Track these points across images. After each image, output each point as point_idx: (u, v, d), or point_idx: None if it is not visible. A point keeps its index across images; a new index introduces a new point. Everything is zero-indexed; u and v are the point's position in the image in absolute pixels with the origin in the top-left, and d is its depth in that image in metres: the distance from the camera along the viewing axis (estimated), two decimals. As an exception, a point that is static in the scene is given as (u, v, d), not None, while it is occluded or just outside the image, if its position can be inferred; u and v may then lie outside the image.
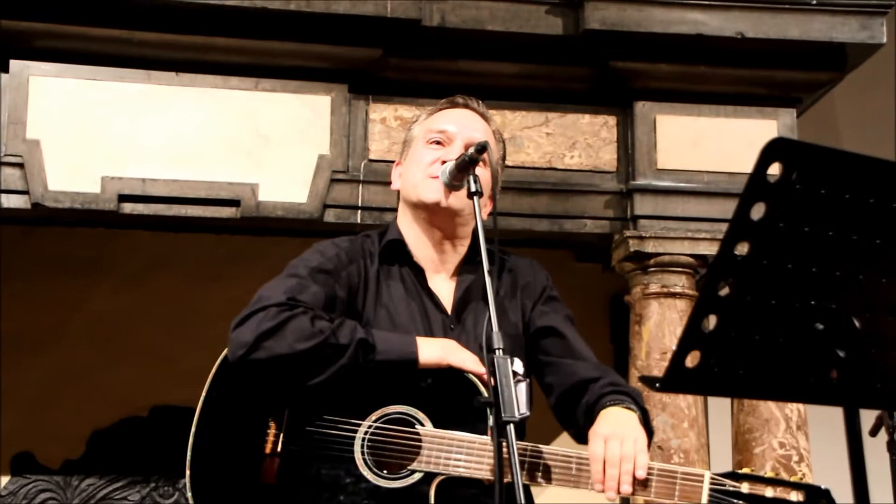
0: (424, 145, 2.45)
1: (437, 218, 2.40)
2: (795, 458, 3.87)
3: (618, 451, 2.08)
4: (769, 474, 2.09)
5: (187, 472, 2.19)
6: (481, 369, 2.12)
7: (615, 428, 2.14)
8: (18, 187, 3.69)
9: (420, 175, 2.40)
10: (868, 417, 3.69)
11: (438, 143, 2.44)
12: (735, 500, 2.05)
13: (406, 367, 2.20)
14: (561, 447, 2.17)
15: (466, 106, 2.52)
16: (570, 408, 2.33)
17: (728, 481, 2.06)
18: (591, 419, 2.21)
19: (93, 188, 3.72)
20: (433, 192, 2.36)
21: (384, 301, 2.36)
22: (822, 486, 2.03)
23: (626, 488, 2.06)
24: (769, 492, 2.05)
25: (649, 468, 2.08)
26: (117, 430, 4.52)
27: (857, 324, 1.57)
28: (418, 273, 2.41)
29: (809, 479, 3.84)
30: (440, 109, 2.53)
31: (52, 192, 3.70)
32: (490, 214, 2.14)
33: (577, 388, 2.33)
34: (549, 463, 2.12)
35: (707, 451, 3.97)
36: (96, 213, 3.78)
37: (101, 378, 4.51)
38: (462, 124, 2.45)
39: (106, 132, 3.77)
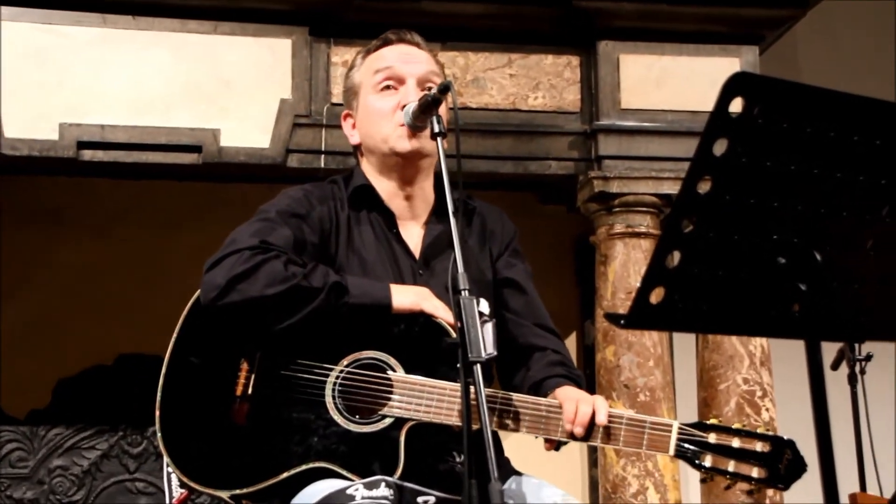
0: (376, 93, 2.39)
1: (410, 164, 2.37)
2: (759, 394, 3.93)
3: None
4: (737, 425, 2.12)
5: (157, 413, 2.18)
6: (453, 317, 2.12)
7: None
8: (-26, 136, 3.64)
9: (389, 126, 2.34)
10: (829, 353, 3.76)
11: (388, 87, 2.39)
12: (701, 451, 2.08)
13: (379, 313, 2.19)
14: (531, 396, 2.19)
15: (402, 41, 2.44)
16: (512, 367, 2.39)
17: (696, 431, 2.10)
18: (541, 390, 2.26)
19: (51, 135, 3.67)
20: (407, 141, 2.32)
21: (356, 246, 2.34)
22: (787, 437, 2.07)
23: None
24: (735, 442, 2.08)
25: (618, 416, 2.11)
26: (83, 378, 4.50)
27: (818, 257, 1.59)
28: (388, 219, 2.38)
29: (773, 414, 3.91)
30: (376, 50, 2.44)
31: (9, 139, 3.65)
32: (453, 156, 2.13)
33: (525, 351, 2.38)
34: (520, 409, 2.13)
35: (672, 388, 4.02)
36: (55, 161, 3.73)
37: (67, 328, 4.48)
38: (407, 61, 2.39)
39: (63, 78, 3.71)
